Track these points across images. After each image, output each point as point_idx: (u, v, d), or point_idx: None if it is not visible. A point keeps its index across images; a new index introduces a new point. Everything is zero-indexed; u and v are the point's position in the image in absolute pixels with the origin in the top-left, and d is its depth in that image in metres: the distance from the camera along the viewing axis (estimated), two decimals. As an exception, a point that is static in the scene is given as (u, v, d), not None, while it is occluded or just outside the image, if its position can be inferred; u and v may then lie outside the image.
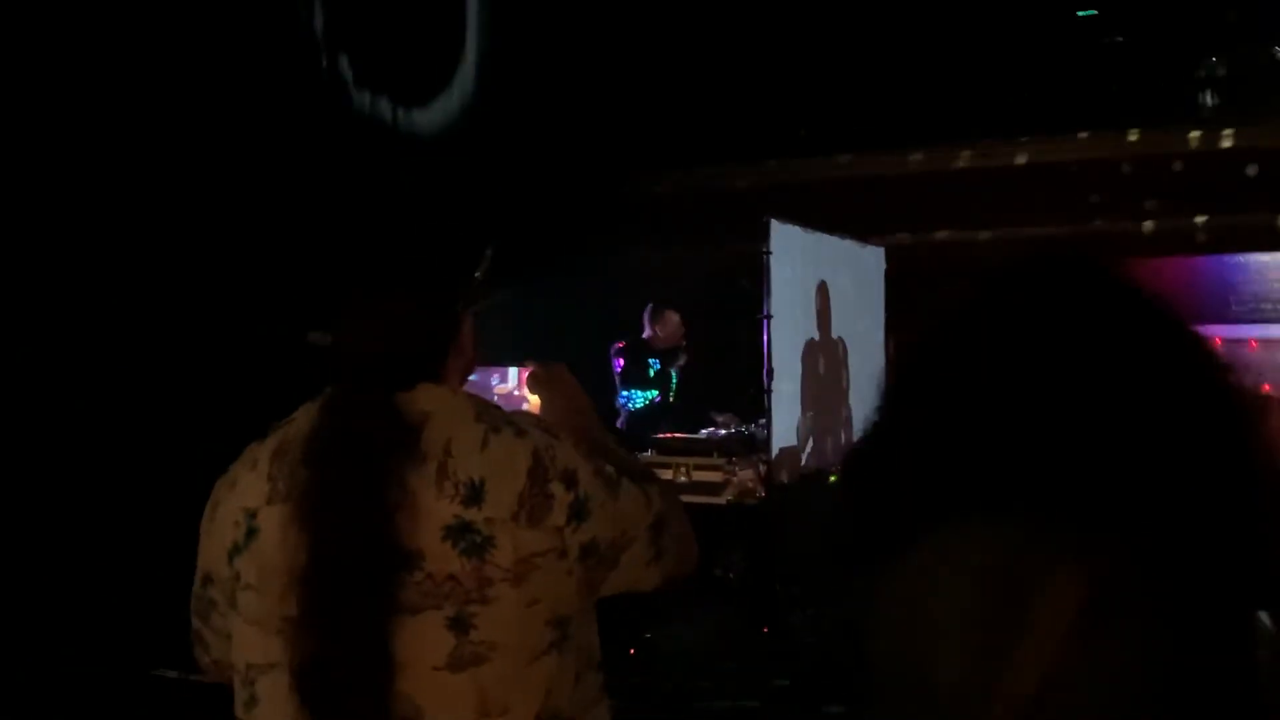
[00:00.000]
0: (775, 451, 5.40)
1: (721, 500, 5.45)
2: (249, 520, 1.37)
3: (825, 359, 6.27)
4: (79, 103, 4.85)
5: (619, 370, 6.26)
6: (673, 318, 6.38)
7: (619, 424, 6.07)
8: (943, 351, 0.58)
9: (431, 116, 6.89)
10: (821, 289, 6.18)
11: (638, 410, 6.19)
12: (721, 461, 5.64)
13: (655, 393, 6.22)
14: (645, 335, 6.39)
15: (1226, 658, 0.55)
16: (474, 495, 1.29)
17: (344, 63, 6.36)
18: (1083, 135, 7.44)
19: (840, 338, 6.43)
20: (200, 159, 5.23)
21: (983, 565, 0.50)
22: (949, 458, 0.53)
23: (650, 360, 6.30)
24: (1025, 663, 0.49)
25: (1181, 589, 0.54)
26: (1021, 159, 7.69)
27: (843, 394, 6.57)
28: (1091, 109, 7.31)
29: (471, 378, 1.58)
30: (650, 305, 6.44)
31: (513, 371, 4.75)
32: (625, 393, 6.21)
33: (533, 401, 1.69)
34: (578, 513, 1.34)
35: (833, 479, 6.20)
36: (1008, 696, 0.49)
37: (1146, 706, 0.53)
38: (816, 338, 6.16)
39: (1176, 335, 0.60)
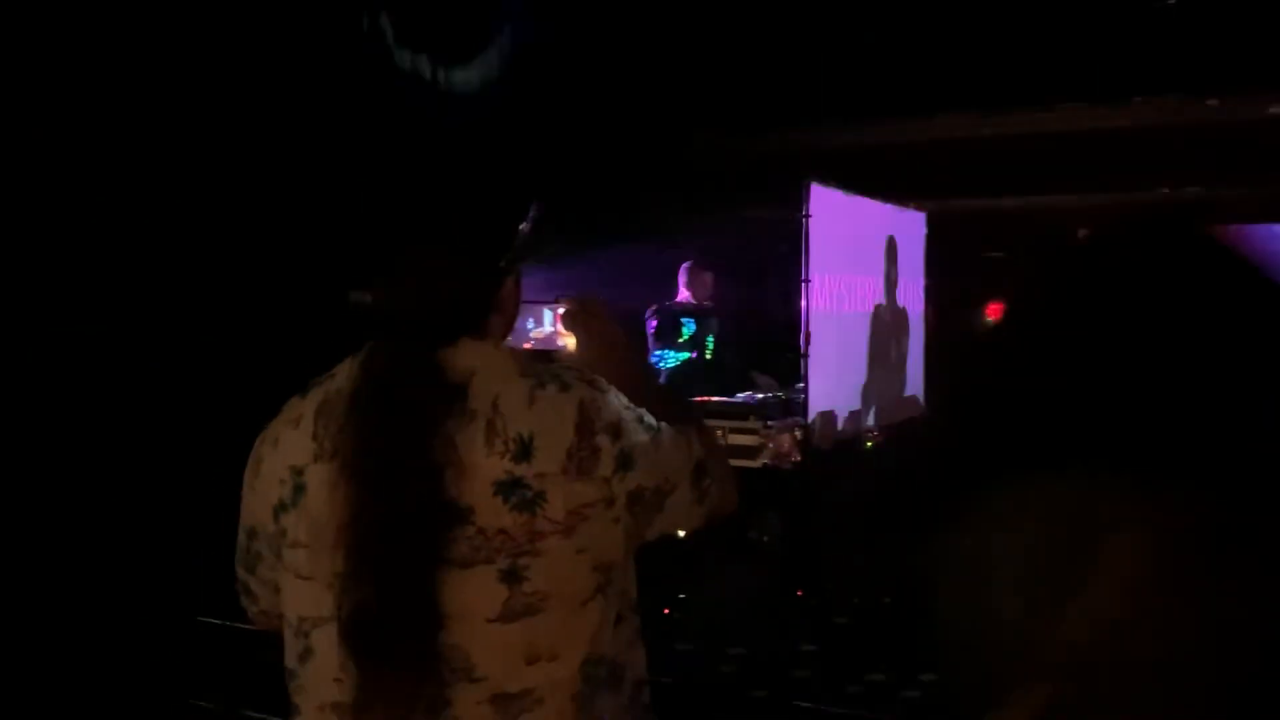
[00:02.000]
0: (812, 416, 5.37)
1: (757, 464, 5.44)
2: (295, 478, 1.37)
3: (884, 322, 6.23)
4: (124, 63, 4.88)
5: (652, 331, 6.27)
6: (707, 277, 6.38)
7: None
8: (1040, 311, 0.57)
9: (471, 74, 6.87)
10: (890, 245, 6.13)
11: (673, 370, 6.20)
12: (758, 425, 5.63)
13: (688, 354, 6.23)
14: (680, 296, 6.38)
15: None
16: (523, 451, 1.30)
17: (384, 20, 6.35)
18: (1138, 101, 7.29)
19: (904, 305, 6.40)
20: (242, 119, 5.26)
21: (1053, 511, 0.50)
22: (1031, 412, 0.52)
23: (684, 320, 6.31)
24: (1087, 609, 0.49)
25: (1250, 556, 0.53)
26: (1068, 126, 7.56)
27: (898, 360, 6.53)
28: (1151, 74, 7.16)
29: None
30: (687, 264, 6.43)
31: (548, 314, 4.73)
32: (658, 353, 6.23)
33: (569, 341, 1.68)
34: (624, 463, 1.35)
35: (869, 445, 6.18)
36: (1066, 640, 0.49)
37: (1202, 667, 0.52)
38: (882, 299, 6.12)
39: (1273, 300, 0.58)
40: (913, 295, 6.84)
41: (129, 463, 4.81)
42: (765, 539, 5.74)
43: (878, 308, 6.05)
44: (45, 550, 4.48)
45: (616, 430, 1.36)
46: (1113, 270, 0.58)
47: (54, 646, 4.25)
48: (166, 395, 4.97)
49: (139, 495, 4.75)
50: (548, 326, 4.72)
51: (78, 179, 4.82)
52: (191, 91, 5.08)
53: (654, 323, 6.30)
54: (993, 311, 7.83)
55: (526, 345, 4.63)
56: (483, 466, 1.29)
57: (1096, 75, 7.16)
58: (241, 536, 1.48)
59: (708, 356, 6.36)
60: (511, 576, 1.29)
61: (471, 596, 1.28)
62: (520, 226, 1.51)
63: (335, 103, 5.67)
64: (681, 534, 1.49)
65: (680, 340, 6.29)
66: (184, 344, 5.03)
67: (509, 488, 1.29)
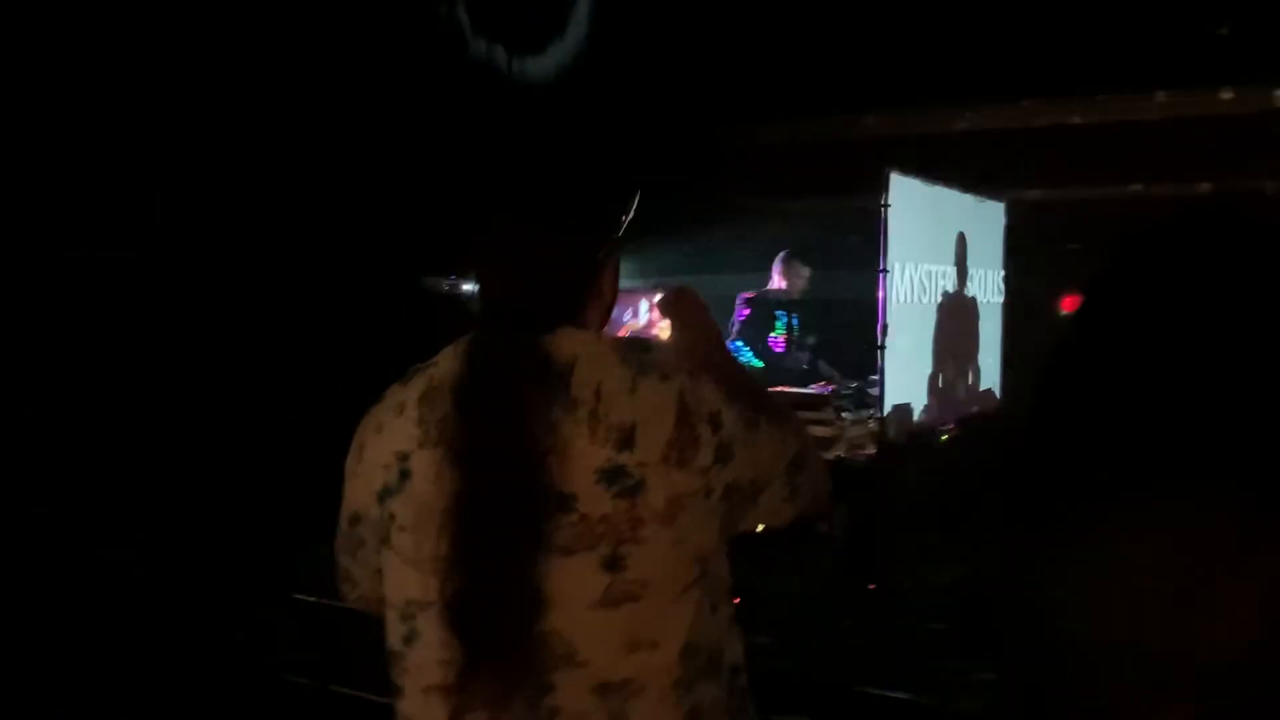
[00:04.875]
0: (888, 408, 5.33)
1: (830, 455, 5.41)
2: (401, 463, 1.39)
3: (958, 315, 6.15)
4: (201, 48, 4.98)
5: (741, 319, 6.22)
6: (804, 270, 6.32)
7: None
8: (1127, 313, 0.55)
9: (545, 64, 6.90)
10: (960, 240, 6.06)
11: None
12: (832, 416, 5.60)
13: (762, 365, 6.15)
14: (773, 285, 6.33)
15: None
16: (626, 440, 1.31)
17: (461, 11, 6.40)
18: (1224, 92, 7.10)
19: (974, 296, 6.31)
20: (320, 108, 5.34)
21: (1183, 532, 0.48)
22: (1134, 426, 0.51)
23: (778, 313, 6.26)
24: (1229, 632, 0.48)
25: None
26: (1149, 114, 7.39)
27: (972, 353, 6.44)
28: (1229, 62, 6.96)
29: None
30: (783, 254, 6.38)
31: (644, 306, 4.73)
32: (736, 344, 6.18)
33: (664, 328, 1.70)
34: (722, 455, 1.36)
35: (944, 438, 6.11)
36: (1206, 665, 0.48)
37: None
38: (952, 290, 6.04)
39: None
40: (991, 288, 6.74)
41: (223, 444, 4.94)
42: (836, 532, 5.70)
43: (946, 298, 5.96)
44: (145, 527, 4.62)
45: (716, 421, 1.37)
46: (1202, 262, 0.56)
47: (151, 621, 4.39)
48: (248, 382, 5.08)
49: (235, 476, 4.87)
50: (643, 318, 4.72)
51: (159, 167, 4.94)
52: (267, 79, 5.17)
53: (745, 312, 6.23)
54: (1069, 304, 7.69)
55: (622, 332, 4.65)
56: (586, 454, 1.31)
57: (1187, 61, 6.99)
58: (343, 522, 1.50)
59: (795, 351, 6.28)
60: (613, 563, 1.30)
61: (573, 583, 1.30)
62: (623, 213, 1.52)
63: (413, 93, 5.74)
64: (760, 527, 1.50)
65: (772, 334, 6.23)
66: (282, 331, 5.13)
67: (611, 475, 1.30)
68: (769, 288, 6.37)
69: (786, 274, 6.31)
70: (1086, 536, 0.51)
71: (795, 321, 6.34)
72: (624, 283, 1.56)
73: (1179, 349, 0.52)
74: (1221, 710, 0.48)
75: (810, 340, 6.31)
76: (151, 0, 4.84)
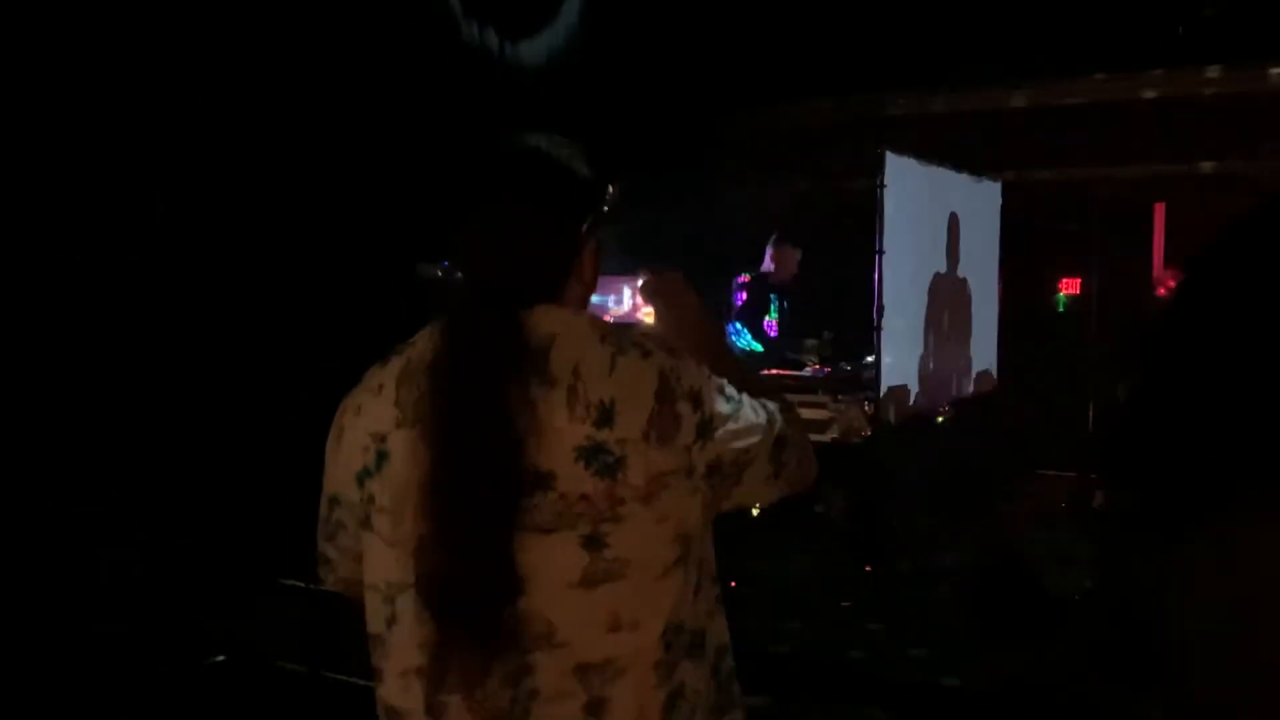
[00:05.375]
0: (883, 390, 5.31)
1: (826, 438, 5.40)
2: (378, 445, 1.38)
3: (950, 296, 6.12)
4: (191, 34, 4.95)
5: (740, 302, 6.24)
6: (794, 252, 6.33)
7: None
8: (1234, 306, 0.51)
9: (538, 47, 6.87)
10: (952, 221, 6.03)
11: (741, 350, 6.16)
12: (827, 399, 5.58)
13: (761, 347, 6.15)
14: (765, 268, 6.35)
15: None
16: (605, 417, 1.30)
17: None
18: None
19: (965, 276, 6.28)
20: (311, 92, 5.31)
21: None
22: (1249, 419, 0.48)
23: (771, 296, 6.27)
24: None
25: None
26: (1146, 94, 7.37)
27: (965, 334, 6.42)
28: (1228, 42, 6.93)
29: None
30: (774, 236, 6.38)
31: (627, 291, 4.68)
32: (736, 325, 6.19)
33: (648, 313, 1.67)
34: (703, 432, 1.34)
35: (940, 420, 6.10)
36: None
37: None
38: (943, 270, 6.00)
39: None
40: (987, 268, 6.72)
41: (210, 431, 4.92)
42: (832, 514, 5.70)
43: (938, 279, 5.94)
44: (133, 515, 4.61)
45: (697, 399, 1.35)
46: None
47: (139, 608, 4.38)
48: (241, 367, 5.06)
49: (221, 462, 4.86)
50: (627, 304, 4.67)
51: (158, 156, 4.91)
52: (259, 66, 5.14)
53: (743, 295, 6.24)
54: (1065, 285, 7.66)
55: (605, 319, 4.63)
56: (564, 432, 1.29)
57: (1181, 41, 6.96)
58: (323, 506, 1.49)
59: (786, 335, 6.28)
60: (593, 542, 1.29)
61: (552, 561, 1.28)
62: (604, 192, 1.49)
63: (406, 77, 5.70)
64: (755, 509, 1.48)
65: (766, 318, 6.25)
66: (266, 317, 5.11)
67: (591, 453, 1.29)
68: (761, 270, 6.38)
69: (777, 256, 6.33)
70: (1204, 531, 0.49)
71: (787, 305, 6.35)
72: (608, 268, 1.53)
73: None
74: None
75: (828, 334, 6.31)
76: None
